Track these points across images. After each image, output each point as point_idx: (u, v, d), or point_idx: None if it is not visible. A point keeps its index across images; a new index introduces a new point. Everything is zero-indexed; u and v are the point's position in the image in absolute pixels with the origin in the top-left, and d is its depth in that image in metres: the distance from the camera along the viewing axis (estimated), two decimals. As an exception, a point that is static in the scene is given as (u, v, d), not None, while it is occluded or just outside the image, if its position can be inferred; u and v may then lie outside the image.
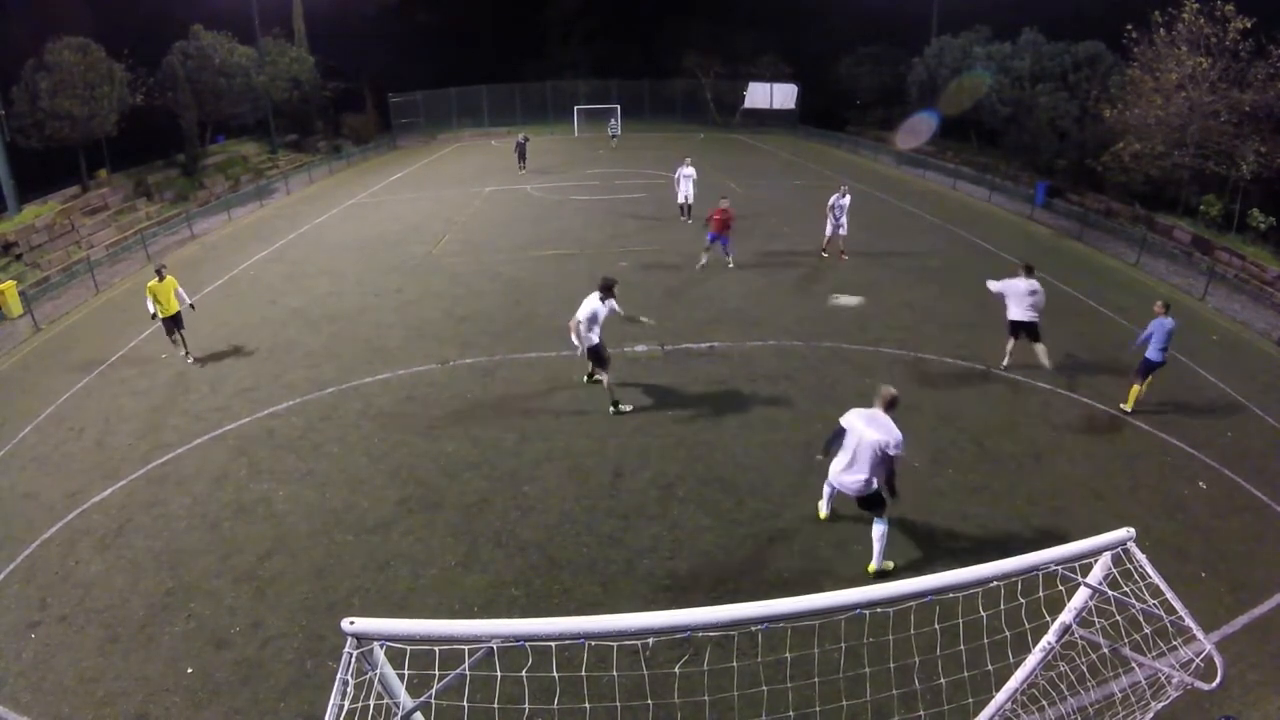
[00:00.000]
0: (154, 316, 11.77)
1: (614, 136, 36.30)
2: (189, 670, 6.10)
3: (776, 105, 42.57)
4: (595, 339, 9.61)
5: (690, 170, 20.05)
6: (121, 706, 5.77)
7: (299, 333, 13.28)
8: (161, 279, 11.71)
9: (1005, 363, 11.35)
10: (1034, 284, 10.76)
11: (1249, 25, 18.37)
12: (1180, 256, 19.17)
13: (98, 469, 9.15)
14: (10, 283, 15.71)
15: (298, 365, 11.89)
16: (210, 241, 20.94)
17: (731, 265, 16.22)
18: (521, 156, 29.39)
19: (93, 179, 23.96)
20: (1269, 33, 18.01)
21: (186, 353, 12.21)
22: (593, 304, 9.49)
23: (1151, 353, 9.82)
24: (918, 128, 32.88)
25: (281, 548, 7.57)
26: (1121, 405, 10.34)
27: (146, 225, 22.15)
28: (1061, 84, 25.50)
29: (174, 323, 11.98)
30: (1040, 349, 10.90)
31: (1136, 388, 10.16)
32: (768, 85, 42.52)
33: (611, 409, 10.07)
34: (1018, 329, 10.98)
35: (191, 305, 12.38)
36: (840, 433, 6.74)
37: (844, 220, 16.82)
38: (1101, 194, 23.71)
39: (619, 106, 39.69)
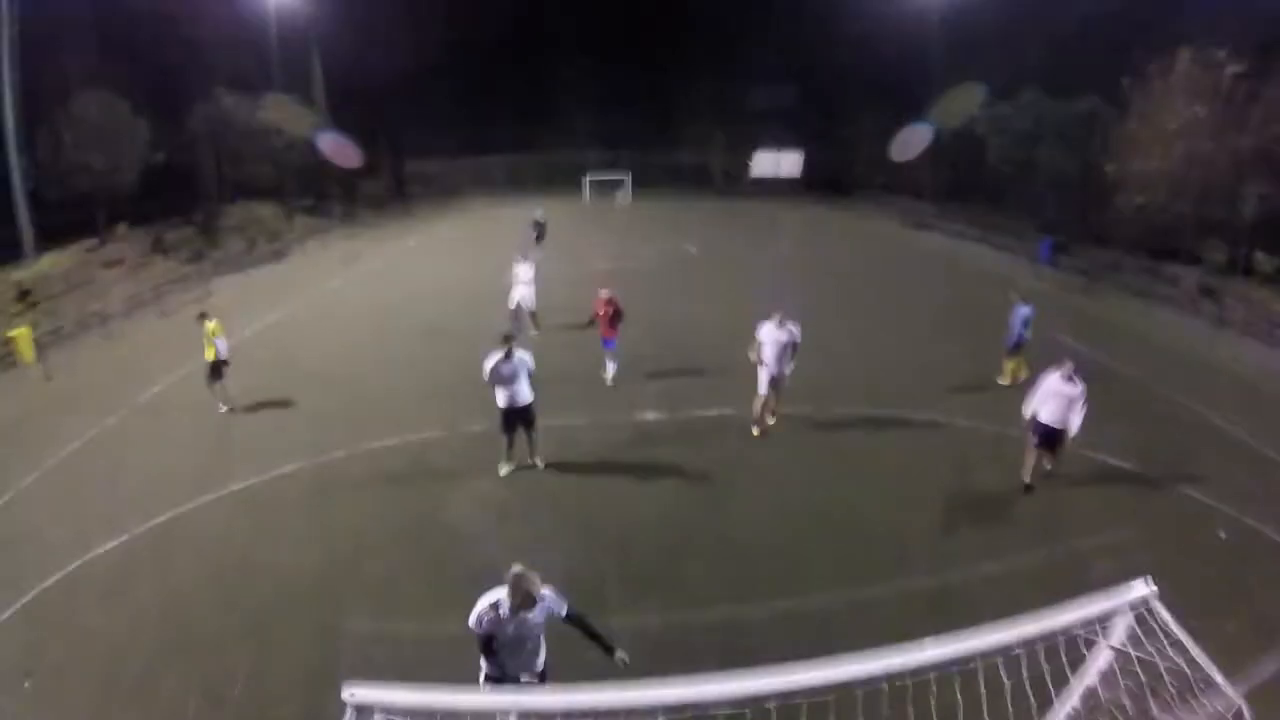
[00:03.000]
0: (222, 362, 12.16)
1: (618, 203, 36.18)
2: (186, 731, 5.94)
3: (784, 173, 43.65)
4: (526, 395, 9.53)
5: (525, 268, 16.27)
6: (115, 770, 5.61)
7: (310, 394, 13.22)
8: (208, 321, 12.09)
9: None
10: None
11: (1242, 70, 18.67)
12: (1187, 304, 19.17)
13: (103, 520, 9.06)
14: (25, 329, 15.81)
15: (308, 426, 11.82)
16: (224, 302, 21.10)
17: (610, 382, 13.24)
18: (540, 237, 27.11)
19: (110, 233, 24.38)
20: (1262, 76, 18.30)
21: (225, 401, 12.38)
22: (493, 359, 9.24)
23: (1019, 335, 12.53)
24: (910, 140, 33.68)
25: (285, 607, 7.45)
26: (999, 379, 12.84)
27: (162, 281, 22.50)
28: (1062, 141, 25.91)
29: (215, 370, 12.22)
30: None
31: (1011, 364, 12.78)
32: (774, 153, 43.67)
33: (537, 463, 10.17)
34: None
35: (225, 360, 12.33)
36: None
37: (784, 369, 10.82)
38: (1106, 247, 23.88)
39: (628, 177, 40.84)
